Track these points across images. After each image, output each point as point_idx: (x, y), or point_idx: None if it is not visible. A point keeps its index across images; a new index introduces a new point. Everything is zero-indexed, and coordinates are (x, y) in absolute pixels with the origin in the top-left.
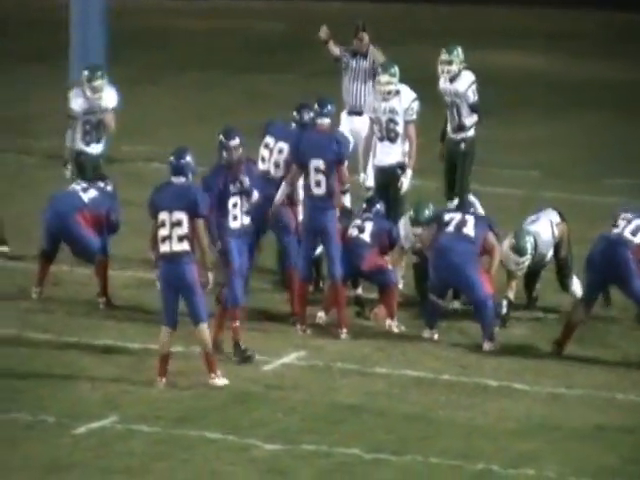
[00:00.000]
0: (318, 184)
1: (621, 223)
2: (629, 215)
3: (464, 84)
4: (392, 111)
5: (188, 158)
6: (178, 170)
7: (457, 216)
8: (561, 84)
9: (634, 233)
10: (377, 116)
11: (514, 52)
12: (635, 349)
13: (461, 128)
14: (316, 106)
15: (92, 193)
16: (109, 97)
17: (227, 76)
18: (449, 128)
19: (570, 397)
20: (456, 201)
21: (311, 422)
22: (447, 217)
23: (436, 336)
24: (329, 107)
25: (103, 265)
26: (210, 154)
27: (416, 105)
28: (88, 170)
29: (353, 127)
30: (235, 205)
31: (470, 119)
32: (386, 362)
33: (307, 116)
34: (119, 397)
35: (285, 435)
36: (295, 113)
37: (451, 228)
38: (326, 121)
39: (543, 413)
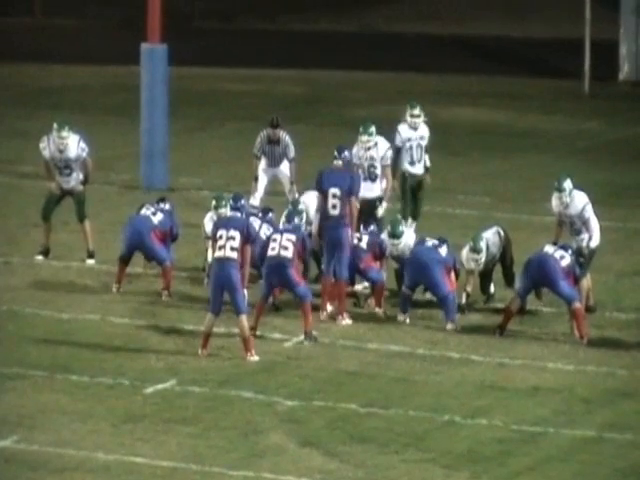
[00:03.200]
0: (334, 207)
1: (550, 248)
2: (555, 246)
3: (426, 131)
4: (372, 159)
5: (243, 202)
6: (235, 209)
7: (435, 241)
8: (509, 133)
9: (560, 258)
10: (361, 162)
11: (475, 108)
12: (562, 329)
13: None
14: (335, 152)
15: (159, 216)
16: None
17: (258, 126)
18: (411, 165)
19: (513, 365)
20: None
21: (320, 384)
22: (428, 239)
23: (407, 320)
24: (345, 153)
25: (168, 269)
26: (246, 185)
27: (389, 153)
28: None
29: (274, 173)
30: None
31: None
32: (376, 339)
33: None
34: (177, 366)
35: (301, 394)
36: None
37: (429, 244)
38: (340, 162)
39: (493, 378)
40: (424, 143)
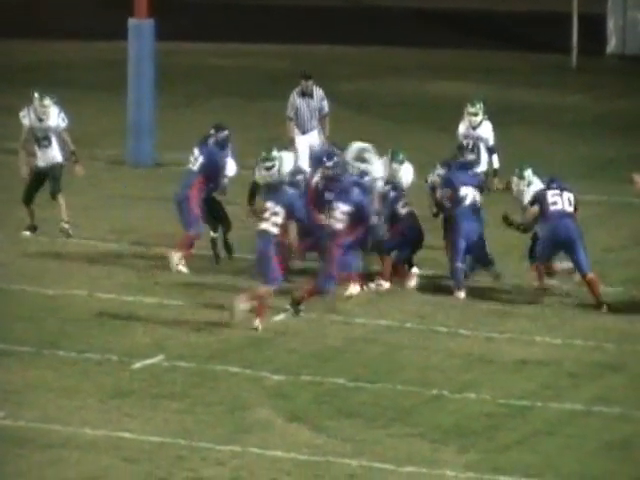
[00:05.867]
0: None
1: (558, 200)
2: (557, 190)
3: (487, 131)
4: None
5: (300, 177)
6: (291, 185)
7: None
8: (494, 106)
9: (570, 203)
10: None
11: (461, 83)
12: (549, 303)
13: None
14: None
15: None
16: None
17: (245, 101)
18: None
19: (501, 339)
20: None
21: (307, 359)
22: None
23: (463, 294)
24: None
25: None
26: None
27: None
28: None
29: (309, 142)
30: None
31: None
32: (363, 314)
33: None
34: (165, 341)
35: (288, 369)
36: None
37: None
38: None
39: (480, 351)
40: (482, 144)
